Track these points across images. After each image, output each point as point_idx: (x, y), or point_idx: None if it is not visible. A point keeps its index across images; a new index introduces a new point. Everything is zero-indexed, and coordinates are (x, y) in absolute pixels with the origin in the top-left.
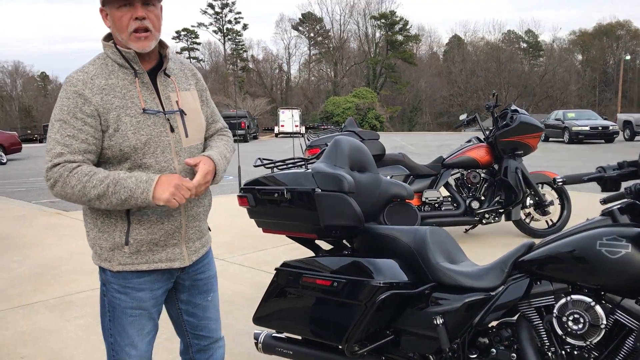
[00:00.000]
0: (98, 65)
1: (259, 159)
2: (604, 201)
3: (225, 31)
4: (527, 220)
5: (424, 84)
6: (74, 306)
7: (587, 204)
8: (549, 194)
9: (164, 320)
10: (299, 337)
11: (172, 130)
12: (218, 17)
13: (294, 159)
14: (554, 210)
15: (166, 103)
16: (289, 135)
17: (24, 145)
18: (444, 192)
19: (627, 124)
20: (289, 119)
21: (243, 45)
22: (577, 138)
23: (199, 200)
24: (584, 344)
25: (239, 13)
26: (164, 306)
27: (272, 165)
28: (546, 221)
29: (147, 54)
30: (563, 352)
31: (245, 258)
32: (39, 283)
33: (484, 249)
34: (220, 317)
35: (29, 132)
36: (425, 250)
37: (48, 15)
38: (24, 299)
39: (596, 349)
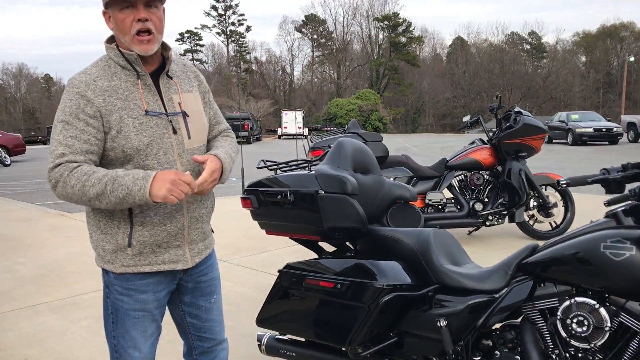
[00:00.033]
0: (101, 67)
1: (262, 160)
2: (608, 203)
3: (228, 33)
4: (531, 222)
5: (427, 86)
6: (78, 308)
7: (591, 206)
8: (553, 196)
9: (167, 321)
10: (302, 339)
11: (175, 132)
12: (221, 19)
13: (297, 160)
14: (558, 212)
15: (169, 105)
16: (292, 136)
17: (27, 147)
18: (448, 194)
19: (631, 125)
20: (292, 120)
21: (246, 47)
22: (581, 140)
23: (201, 202)
24: (588, 347)
25: (242, 15)
26: (167, 308)
27: (276, 167)
28: (550, 223)
29: (150, 56)
30: (567, 355)
31: (249, 260)
32: (43, 284)
33: (488, 251)
34: (224, 318)
35: (32, 133)
36: (429, 252)
37: (52, 18)
38: (28, 301)
39: (600, 351)
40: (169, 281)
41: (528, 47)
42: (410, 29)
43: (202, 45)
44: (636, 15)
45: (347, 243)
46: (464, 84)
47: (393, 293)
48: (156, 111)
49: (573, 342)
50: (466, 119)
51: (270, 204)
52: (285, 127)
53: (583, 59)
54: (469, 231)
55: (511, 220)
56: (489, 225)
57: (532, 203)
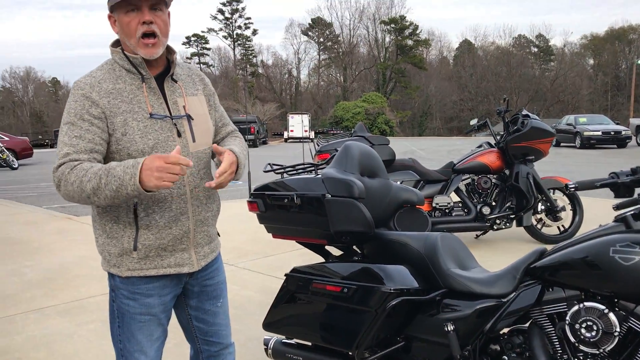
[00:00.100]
0: (106, 71)
1: (269, 164)
2: (617, 207)
3: (235, 36)
4: (539, 226)
5: (434, 89)
6: (84, 311)
7: (600, 209)
8: (561, 200)
9: (174, 325)
10: (309, 343)
11: (179, 135)
12: (228, 22)
13: (304, 164)
14: (566, 216)
15: (173, 108)
16: (298, 140)
17: (35, 151)
18: (455, 197)
19: (639, 128)
20: (298, 124)
21: (253, 50)
22: (589, 143)
23: (207, 205)
24: (597, 352)
25: (248, 18)
26: (173, 312)
27: (282, 170)
28: (558, 227)
29: (155, 60)
30: None
31: (255, 263)
32: (50, 288)
33: (495, 255)
34: (230, 322)
35: (40, 137)
36: (436, 256)
37: (60, 22)
38: (35, 304)
39: (609, 356)
40: (174, 285)
41: (535, 50)
42: (417, 31)
43: (209, 49)
44: None
45: (354, 247)
46: (471, 87)
47: (400, 297)
48: (160, 114)
49: (582, 347)
50: (473, 122)
51: (277, 208)
52: (292, 131)
53: (591, 61)
54: (477, 235)
55: (519, 224)
56: (497, 229)
57: (540, 207)
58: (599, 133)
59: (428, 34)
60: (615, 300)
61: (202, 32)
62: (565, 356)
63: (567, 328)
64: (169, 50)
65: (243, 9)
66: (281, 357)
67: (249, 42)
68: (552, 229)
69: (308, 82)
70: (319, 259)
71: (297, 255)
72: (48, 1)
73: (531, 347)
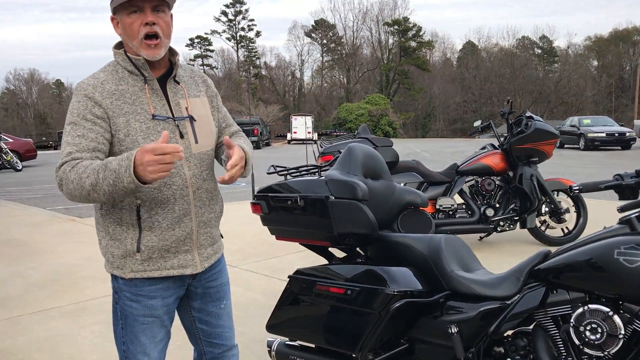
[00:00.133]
0: (108, 72)
1: (272, 166)
2: (622, 209)
3: (238, 38)
4: (543, 228)
5: (437, 90)
6: (88, 312)
7: (604, 212)
8: (565, 202)
9: (177, 327)
10: (313, 345)
11: (182, 136)
12: (231, 24)
13: (307, 166)
14: (570, 218)
15: (176, 109)
16: (301, 141)
17: (39, 152)
18: (459, 199)
19: None
20: (301, 125)
21: (256, 52)
22: (593, 145)
23: (210, 207)
24: (602, 354)
25: (252, 20)
26: (177, 314)
27: (286, 172)
28: (562, 229)
29: (157, 61)
30: None
31: (258, 265)
32: (54, 289)
33: (499, 257)
34: (234, 324)
35: (44, 138)
36: (440, 258)
37: (64, 24)
38: (39, 305)
39: (614, 359)
40: (177, 287)
41: (539, 51)
42: (421, 33)
43: (212, 51)
44: None
45: (358, 249)
46: (475, 89)
47: (404, 299)
48: (163, 116)
49: (586, 350)
50: (477, 123)
51: (281, 210)
52: (295, 132)
53: (595, 63)
54: (480, 237)
55: (523, 226)
56: (501, 231)
57: (544, 209)
58: (603, 135)
59: (431, 35)
60: (620, 302)
61: (206, 34)
62: (569, 359)
63: (571, 330)
64: (172, 52)
65: (246, 10)
66: (285, 359)
67: (252, 44)
68: (556, 231)
69: (311, 84)
70: (323, 261)
71: (301, 257)
72: (52, 3)
73: (535, 349)
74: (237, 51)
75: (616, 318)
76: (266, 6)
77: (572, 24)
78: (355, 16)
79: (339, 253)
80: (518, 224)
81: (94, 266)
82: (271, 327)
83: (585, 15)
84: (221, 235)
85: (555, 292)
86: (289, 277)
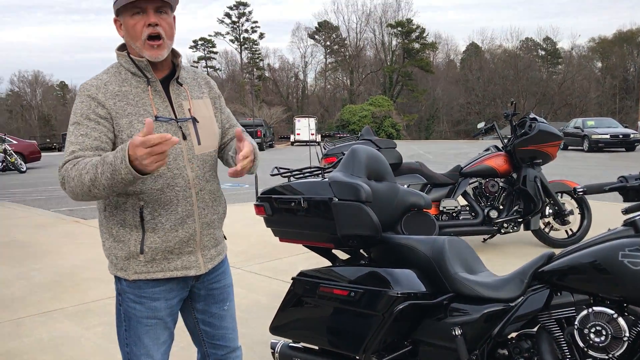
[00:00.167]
0: (112, 74)
1: (276, 167)
2: (626, 211)
3: (242, 40)
4: (547, 230)
5: (441, 92)
6: (92, 314)
7: (608, 213)
8: (569, 203)
9: (180, 328)
10: (316, 347)
11: (185, 137)
12: (235, 26)
13: (310, 167)
14: (574, 220)
15: (178, 111)
16: (305, 143)
17: (43, 154)
18: (462, 201)
19: None
20: (305, 127)
21: (259, 54)
22: (597, 146)
23: (213, 208)
24: (607, 357)
25: (255, 22)
26: (180, 316)
27: (289, 174)
28: (566, 231)
29: (160, 63)
30: None
31: (262, 267)
32: (57, 291)
33: (503, 259)
34: (237, 326)
35: (48, 140)
36: (444, 260)
37: (68, 26)
38: (43, 307)
39: None
40: (180, 288)
41: (543, 53)
42: (424, 35)
43: (216, 53)
44: None
45: (361, 251)
46: (478, 90)
47: (407, 301)
48: (166, 117)
49: (591, 352)
50: (481, 125)
51: (284, 211)
52: (298, 134)
53: (599, 64)
54: (484, 239)
55: (526, 227)
56: (504, 233)
57: (548, 210)
58: (607, 136)
59: (435, 37)
60: (625, 304)
61: (209, 35)
62: None
63: (575, 333)
64: (174, 54)
65: (250, 12)
66: None
67: (255, 46)
68: (560, 233)
69: (315, 86)
70: (326, 262)
71: (304, 258)
72: (56, 5)
73: (539, 351)
74: (240, 53)
75: (621, 320)
76: (269, 8)
77: (575, 25)
78: (358, 18)
79: (342, 255)
80: (522, 225)
81: (98, 268)
82: (275, 328)
83: (588, 17)
84: (224, 237)
85: (559, 294)
86: (293, 279)
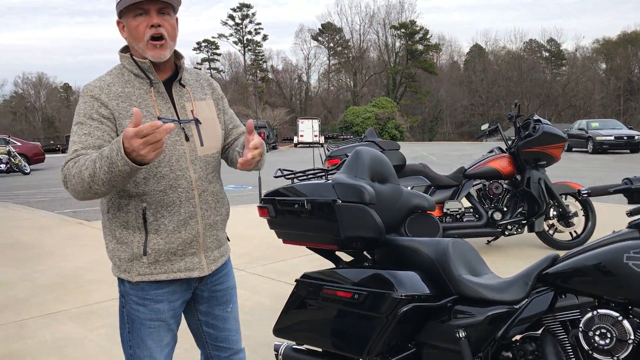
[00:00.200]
0: (115, 75)
1: (279, 169)
2: (631, 213)
3: (245, 42)
4: (551, 232)
5: (444, 94)
6: (95, 316)
7: (613, 215)
8: (573, 205)
9: (184, 331)
10: (320, 349)
11: (187, 139)
12: (238, 28)
13: (314, 169)
14: (578, 222)
15: (181, 112)
16: (308, 145)
17: (47, 156)
18: (466, 203)
19: None
20: (308, 129)
21: (263, 55)
22: (601, 148)
23: (216, 209)
24: None
25: (259, 24)
26: (183, 318)
27: (292, 176)
28: (570, 233)
29: (163, 64)
30: None
31: (265, 269)
32: (61, 292)
33: (507, 261)
34: (240, 328)
35: (51, 142)
36: (447, 262)
37: (72, 28)
38: (47, 308)
39: None
40: (184, 290)
41: (547, 54)
42: (428, 36)
43: (219, 54)
44: None
45: (365, 253)
46: (482, 92)
47: (411, 303)
48: (168, 118)
49: (595, 355)
50: (484, 127)
51: (287, 213)
52: (302, 136)
53: (603, 66)
54: (488, 241)
55: (531, 229)
56: (508, 235)
57: (552, 212)
58: (612, 138)
59: (438, 38)
60: (630, 307)
61: (213, 37)
62: None
63: (580, 335)
64: (177, 56)
65: (253, 14)
66: None
67: (259, 48)
68: (564, 235)
69: (318, 87)
70: (330, 264)
71: (308, 260)
72: (60, 7)
73: (544, 354)
74: (244, 55)
75: (625, 323)
76: (273, 10)
77: (579, 27)
78: (362, 19)
79: (346, 257)
80: (526, 227)
81: (101, 269)
82: (278, 330)
83: (593, 18)
84: (228, 239)
85: (563, 296)
86: (296, 280)
